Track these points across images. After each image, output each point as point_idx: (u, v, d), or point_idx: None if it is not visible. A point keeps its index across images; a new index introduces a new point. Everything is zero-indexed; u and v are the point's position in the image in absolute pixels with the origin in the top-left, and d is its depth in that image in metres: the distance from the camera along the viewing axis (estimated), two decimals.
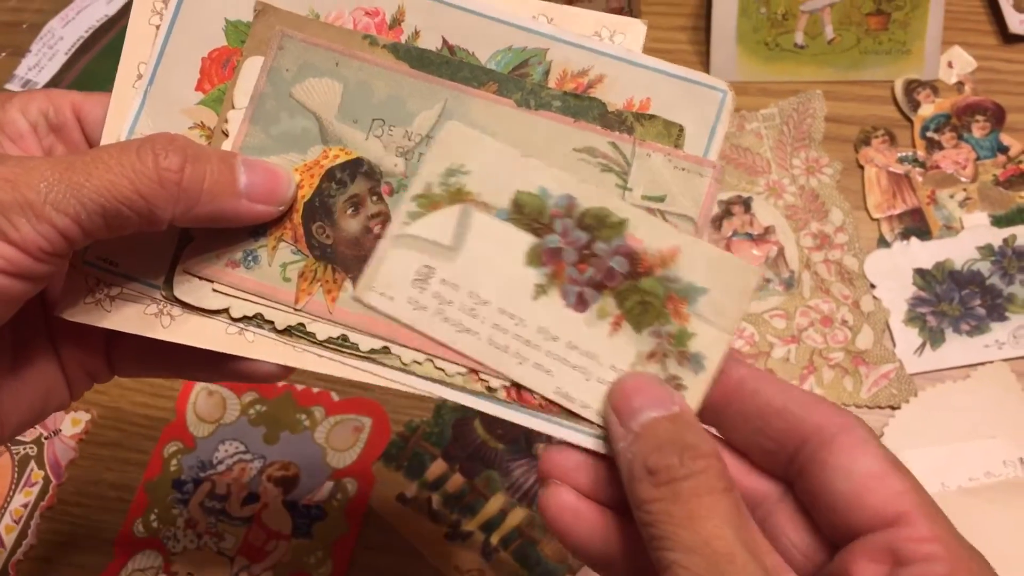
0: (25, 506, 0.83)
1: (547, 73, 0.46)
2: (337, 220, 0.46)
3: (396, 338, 0.45)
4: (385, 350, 0.45)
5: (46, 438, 0.86)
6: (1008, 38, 0.91)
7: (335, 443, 0.83)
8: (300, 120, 0.47)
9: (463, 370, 0.45)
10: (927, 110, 0.89)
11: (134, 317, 0.47)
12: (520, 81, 0.46)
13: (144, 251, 0.47)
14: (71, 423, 0.86)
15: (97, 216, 0.41)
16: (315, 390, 0.85)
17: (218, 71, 0.47)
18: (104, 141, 0.48)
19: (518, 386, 0.45)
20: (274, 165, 0.46)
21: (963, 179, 0.87)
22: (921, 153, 0.88)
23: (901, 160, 0.88)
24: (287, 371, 0.48)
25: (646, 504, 0.39)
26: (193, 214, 0.43)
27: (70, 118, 0.49)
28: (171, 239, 0.47)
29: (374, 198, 0.46)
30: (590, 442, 0.44)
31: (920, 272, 0.85)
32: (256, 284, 0.46)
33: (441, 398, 0.45)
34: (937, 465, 0.75)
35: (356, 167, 0.46)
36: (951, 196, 0.87)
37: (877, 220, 0.87)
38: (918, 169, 0.87)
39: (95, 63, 0.99)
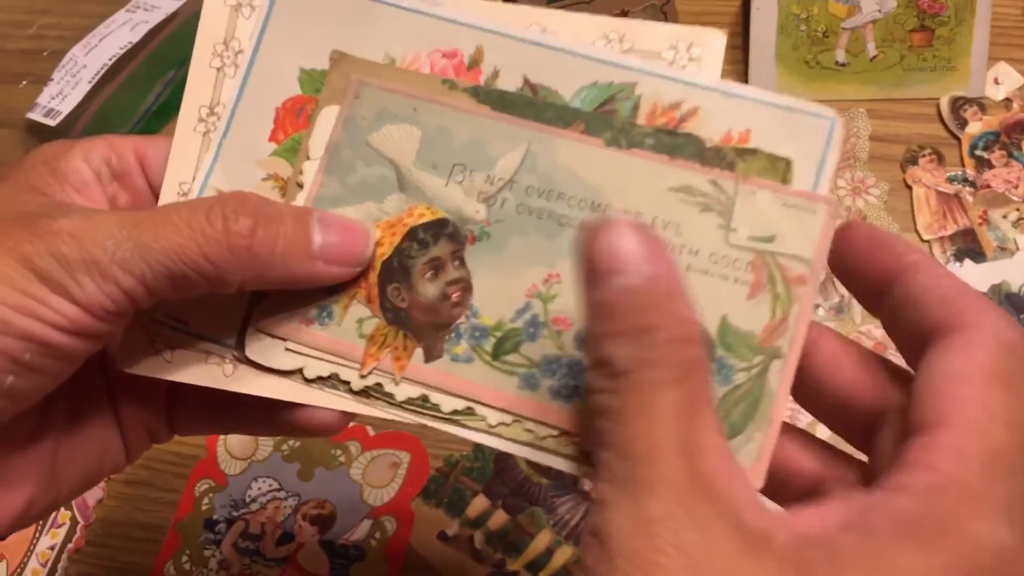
0: (52, 548, 0.81)
1: (636, 108, 0.44)
2: (415, 283, 0.44)
3: (480, 398, 0.43)
4: (469, 411, 0.43)
5: None
6: None
7: (372, 479, 0.81)
8: (377, 168, 0.45)
9: (555, 432, 0.43)
10: (975, 128, 0.87)
11: (198, 368, 0.46)
12: (608, 119, 0.44)
13: (215, 309, 0.45)
14: None
15: (163, 278, 0.39)
16: (350, 424, 0.82)
17: (292, 120, 0.46)
18: (165, 189, 0.46)
19: None
20: (352, 222, 0.44)
21: (1015, 198, 0.86)
22: (971, 172, 0.86)
23: (950, 179, 0.86)
24: (347, 421, 0.46)
25: (592, 394, 0.35)
26: (265, 279, 0.41)
27: (133, 165, 0.47)
28: (243, 296, 0.45)
29: (456, 263, 0.44)
30: None
31: None
32: (330, 342, 0.44)
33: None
34: None
35: (440, 228, 0.44)
36: (1004, 216, 0.85)
37: (928, 241, 0.85)
38: (968, 188, 0.86)
39: (119, 92, 0.98)
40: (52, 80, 0.97)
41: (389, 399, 0.44)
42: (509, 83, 0.45)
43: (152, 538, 0.80)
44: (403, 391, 0.44)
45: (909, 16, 0.88)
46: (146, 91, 0.97)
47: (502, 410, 0.43)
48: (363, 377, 0.44)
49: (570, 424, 0.42)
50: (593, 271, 0.35)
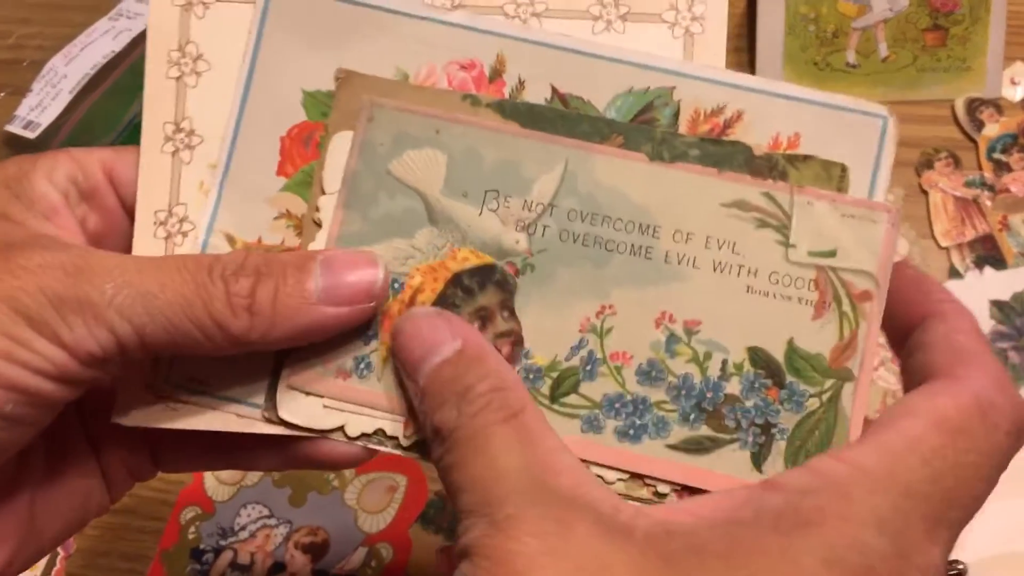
0: None
1: (676, 115, 0.41)
2: None
3: None
4: None
5: None
6: None
7: (367, 505, 0.77)
8: (402, 200, 0.42)
9: (624, 476, 0.40)
10: (992, 130, 0.85)
11: (206, 413, 0.42)
12: (648, 130, 0.41)
13: (239, 367, 0.42)
14: None
15: (163, 331, 0.37)
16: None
17: (300, 150, 0.42)
18: (139, 219, 0.43)
19: (688, 489, 0.40)
20: (358, 255, 0.40)
21: None
22: (989, 176, 0.84)
23: (968, 184, 0.84)
24: (368, 455, 0.43)
25: (436, 464, 0.37)
26: (271, 338, 0.38)
27: (102, 181, 0.44)
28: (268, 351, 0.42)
29: (505, 313, 0.41)
30: None
31: (998, 304, 0.80)
32: (372, 396, 0.41)
33: None
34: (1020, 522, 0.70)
35: (488, 275, 0.41)
36: None
37: (946, 249, 0.82)
38: (987, 193, 0.83)
39: (101, 102, 0.95)
40: (31, 91, 0.94)
41: None
42: (536, 94, 0.42)
43: (136, 569, 0.76)
44: None
45: (922, 15, 0.85)
46: (129, 102, 0.94)
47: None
48: (407, 437, 0.41)
49: (642, 466, 0.40)
50: (407, 365, 0.39)
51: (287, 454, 0.43)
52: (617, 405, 0.40)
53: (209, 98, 0.43)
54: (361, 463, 0.43)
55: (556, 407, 0.41)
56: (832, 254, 0.40)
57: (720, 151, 0.40)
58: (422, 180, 0.41)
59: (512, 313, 0.41)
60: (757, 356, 0.40)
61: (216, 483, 0.79)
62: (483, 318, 0.41)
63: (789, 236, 0.40)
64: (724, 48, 0.42)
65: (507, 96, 0.42)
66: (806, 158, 0.40)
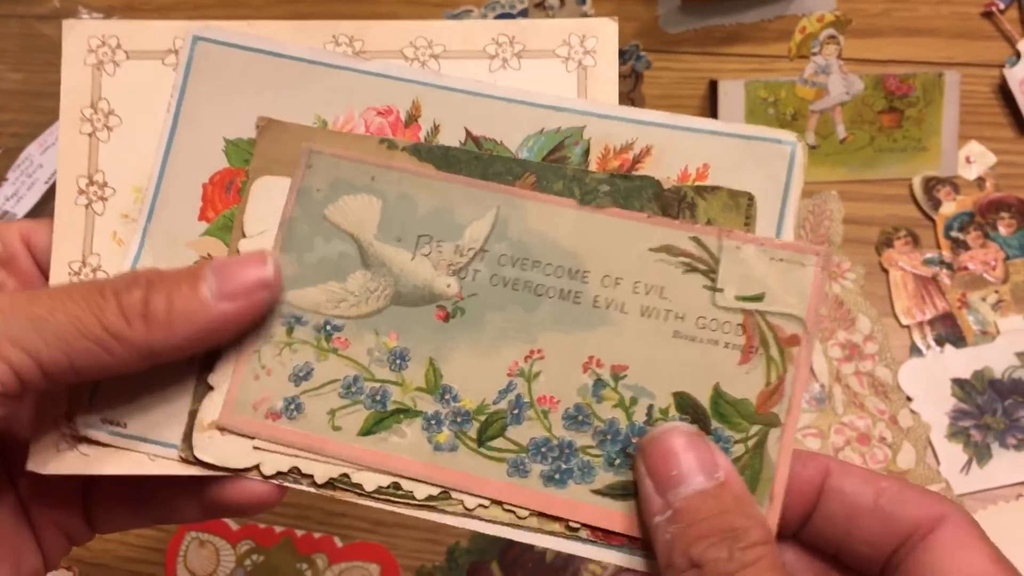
0: None
1: (587, 153, 0.42)
2: None
3: (469, 488, 0.40)
4: (444, 495, 0.41)
5: None
6: None
7: None
8: (337, 244, 0.42)
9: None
10: (949, 208, 0.85)
11: (121, 456, 0.42)
12: (559, 168, 0.41)
13: (156, 407, 0.42)
14: None
15: (60, 353, 0.37)
16: (316, 535, 0.78)
17: (221, 196, 0.43)
18: (53, 268, 0.44)
19: (604, 531, 0.40)
20: (247, 253, 0.41)
21: (993, 280, 0.83)
22: (947, 254, 0.84)
23: (927, 262, 0.84)
24: (279, 495, 0.42)
25: None
26: (173, 343, 0.39)
27: (20, 250, 0.45)
28: (186, 389, 0.42)
29: None
30: None
31: (959, 382, 0.80)
32: (303, 437, 0.41)
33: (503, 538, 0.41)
34: None
35: None
36: (983, 299, 0.83)
37: (907, 327, 0.82)
38: (945, 271, 0.83)
39: None
40: (7, 180, 0.93)
41: (358, 490, 0.41)
42: (451, 137, 0.42)
43: None
44: (373, 480, 0.41)
45: (877, 98, 0.86)
46: None
47: (492, 500, 0.40)
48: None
49: (567, 512, 0.40)
50: (659, 476, 0.38)
51: (204, 499, 0.42)
52: (544, 449, 0.40)
53: (121, 151, 0.44)
54: (272, 506, 0.43)
55: (483, 451, 0.41)
56: (760, 298, 0.40)
57: (629, 185, 0.41)
58: (356, 224, 0.42)
59: None
60: (683, 401, 0.40)
61: (188, 575, 0.78)
62: None
63: (717, 280, 0.40)
64: (616, 79, 0.43)
65: (422, 140, 0.42)
66: (714, 189, 0.40)
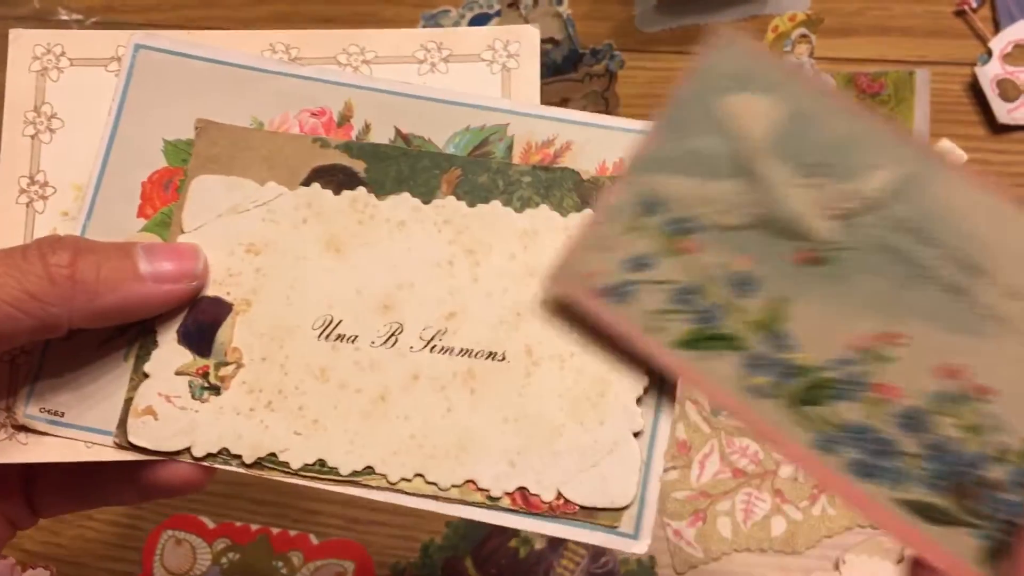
0: None
1: (511, 148, 0.43)
2: None
3: (763, 433, 0.39)
4: (369, 470, 0.42)
5: None
6: (997, 128, 0.88)
7: None
8: (719, 141, 0.39)
9: (459, 481, 0.41)
10: None
11: (58, 444, 0.44)
12: (484, 161, 0.43)
13: (92, 394, 0.43)
14: None
15: None
16: (292, 533, 0.79)
17: (160, 194, 0.45)
18: None
19: (523, 491, 0.41)
20: (179, 244, 0.43)
21: None
22: None
23: None
24: (208, 475, 0.44)
25: None
26: (95, 308, 0.39)
27: None
28: (122, 378, 0.43)
29: None
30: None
31: None
32: (625, 325, 0.40)
33: (442, 516, 0.41)
34: None
35: None
36: None
37: None
38: None
39: None
40: None
41: (284, 468, 0.42)
42: (381, 135, 0.44)
43: None
44: (299, 457, 0.42)
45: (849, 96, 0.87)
46: None
47: (785, 461, 0.40)
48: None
49: (865, 507, 0.38)
50: None
51: (138, 482, 0.44)
52: (862, 437, 0.37)
53: (63, 152, 0.46)
54: (202, 486, 0.44)
55: (797, 411, 0.38)
56: None
57: (550, 177, 0.42)
58: (749, 128, 0.39)
59: None
60: None
61: (164, 572, 0.79)
62: None
63: None
64: (538, 80, 0.45)
65: (354, 138, 0.44)
66: None
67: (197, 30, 0.46)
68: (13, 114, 0.46)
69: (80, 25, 0.94)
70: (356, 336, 0.42)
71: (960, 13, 0.90)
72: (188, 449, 0.42)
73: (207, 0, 0.97)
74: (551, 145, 0.43)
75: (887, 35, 0.90)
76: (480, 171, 0.43)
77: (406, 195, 0.43)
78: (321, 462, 0.42)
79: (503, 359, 0.42)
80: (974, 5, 0.90)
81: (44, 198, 0.45)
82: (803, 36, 0.86)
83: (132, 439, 0.43)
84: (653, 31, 0.92)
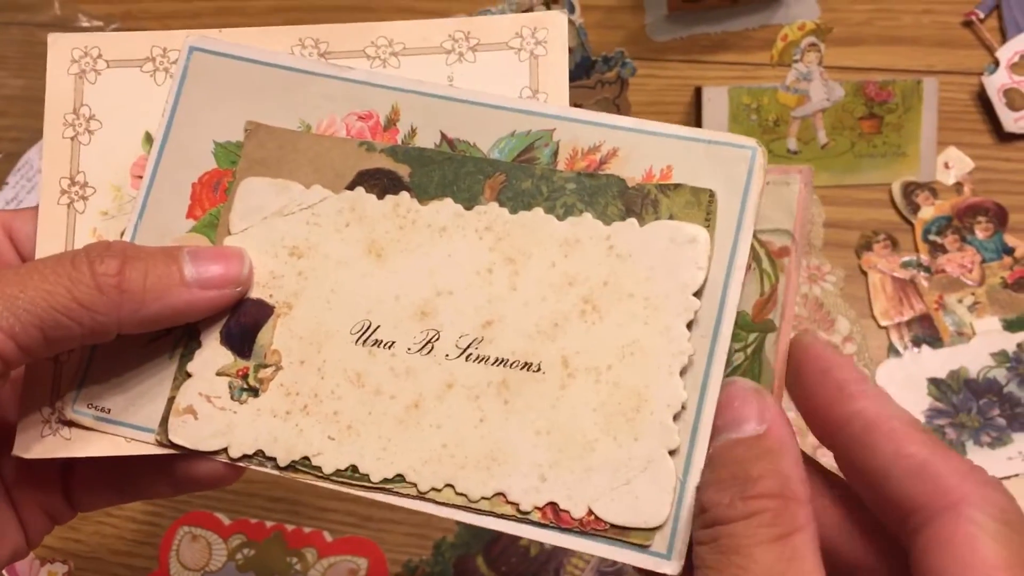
0: None
1: (555, 154, 0.43)
2: None
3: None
4: (399, 478, 0.42)
5: None
6: (1003, 137, 0.89)
7: None
8: None
9: (489, 493, 0.41)
10: (927, 213, 0.87)
11: (99, 439, 0.44)
12: (528, 167, 0.43)
13: (138, 392, 0.44)
14: None
15: (34, 329, 0.38)
16: (307, 530, 0.79)
17: (209, 195, 0.45)
18: None
19: (553, 506, 0.40)
20: (224, 248, 0.43)
21: (970, 283, 0.84)
22: (925, 257, 0.85)
23: (905, 265, 0.85)
24: (239, 473, 0.44)
25: (694, 547, 0.36)
26: (141, 316, 0.40)
27: (1, 240, 0.47)
28: (167, 377, 0.44)
29: None
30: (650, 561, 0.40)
31: (935, 382, 0.81)
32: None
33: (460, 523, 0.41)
34: None
35: None
36: (959, 301, 0.84)
37: (885, 328, 0.84)
38: (923, 274, 0.85)
39: None
40: (7, 184, 0.95)
41: (317, 472, 0.42)
42: (427, 140, 0.44)
43: None
44: (331, 462, 0.42)
45: (857, 104, 0.88)
46: None
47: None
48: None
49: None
50: (716, 424, 0.38)
51: (174, 476, 0.44)
52: None
53: (101, 153, 0.46)
54: (232, 482, 0.45)
55: None
56: None
57: (595, 183, 0.42)
58: None
59: None
60: None
61: (181, 568, 0.79)
62: None
63: None
64: (567, 68, 0.45)
65: (400, 142, 0.44)
66: (676, 186, 0.42)
67: (227, 28, 0.46)
68: (53, 116, 0.46)
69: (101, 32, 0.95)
70: (393, 342, 0.42)
71: (968, 23, 0.92)
72: (225, 450, 0.43)
73: (224, 7, 0.97)
74: (597, 151, 0.43)
75: (896, 44, 0.92)
76: (524, 177, 0.43)
77: (448, 201, 0.43)
78: (353, 468, 0.42)
79: (538, 370, 0.41)
80: (981, 15, 0.91)
81: (84, 199, 0.46)
82: (812, 45, 0.87)
83: (172, 438, 0.43)
84: (664, 40, 0.93)
